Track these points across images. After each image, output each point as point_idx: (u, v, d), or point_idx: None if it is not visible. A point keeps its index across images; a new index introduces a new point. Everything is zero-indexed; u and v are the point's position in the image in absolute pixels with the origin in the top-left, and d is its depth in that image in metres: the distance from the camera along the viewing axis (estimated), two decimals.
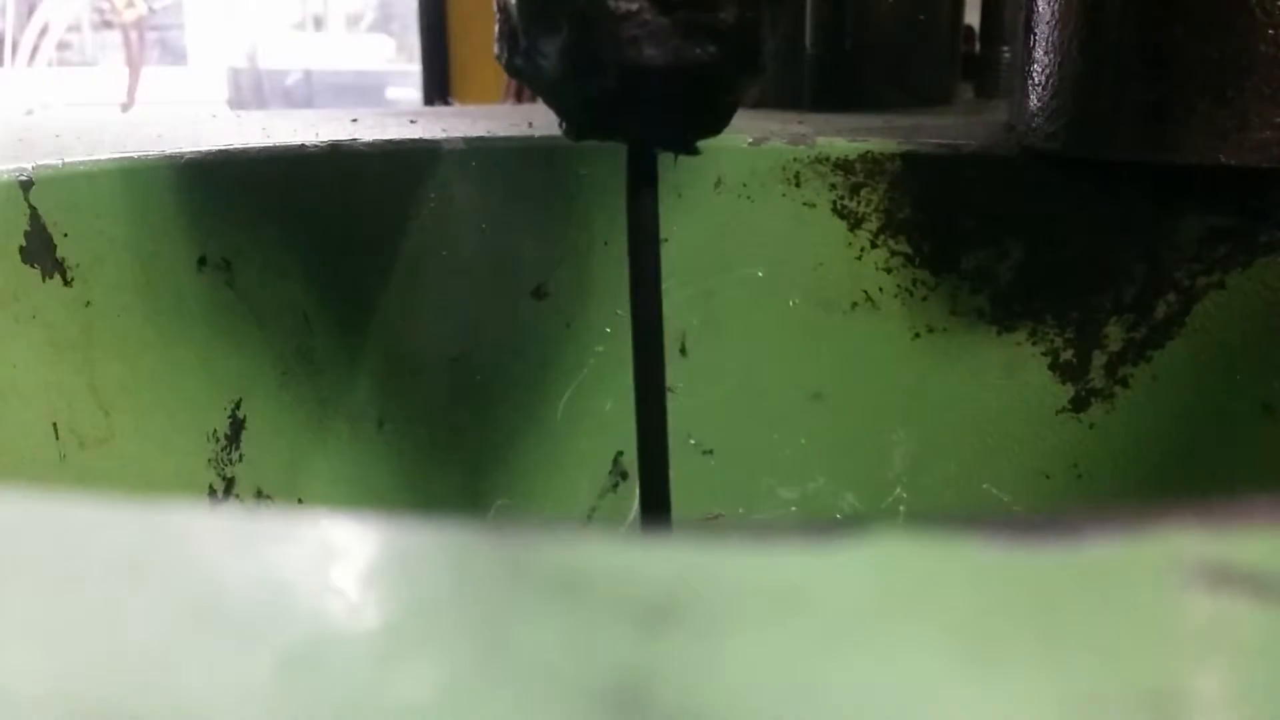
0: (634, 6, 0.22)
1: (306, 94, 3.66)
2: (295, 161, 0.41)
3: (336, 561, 0.10)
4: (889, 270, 0.43)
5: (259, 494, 0.40)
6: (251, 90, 3.65)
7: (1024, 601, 0.09)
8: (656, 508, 0.27)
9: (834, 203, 0.43)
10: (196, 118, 0.52)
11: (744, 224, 0.44)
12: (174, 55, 4.11)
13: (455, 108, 0.74)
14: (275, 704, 0.08)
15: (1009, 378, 0.42)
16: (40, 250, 0.34)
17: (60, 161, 0.36)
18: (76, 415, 0.34)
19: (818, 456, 0.45)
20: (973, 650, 0.09)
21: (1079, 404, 0.41)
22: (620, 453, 0.45)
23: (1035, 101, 0.38)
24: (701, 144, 0.26)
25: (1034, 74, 0.38)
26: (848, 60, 0.56)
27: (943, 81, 0.59)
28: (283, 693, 0.08)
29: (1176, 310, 0.39)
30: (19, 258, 0.34)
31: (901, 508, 0.44)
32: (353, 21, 4.35)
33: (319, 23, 4.29)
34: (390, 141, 0.43)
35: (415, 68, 1.92)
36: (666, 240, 0.43)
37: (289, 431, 0.41)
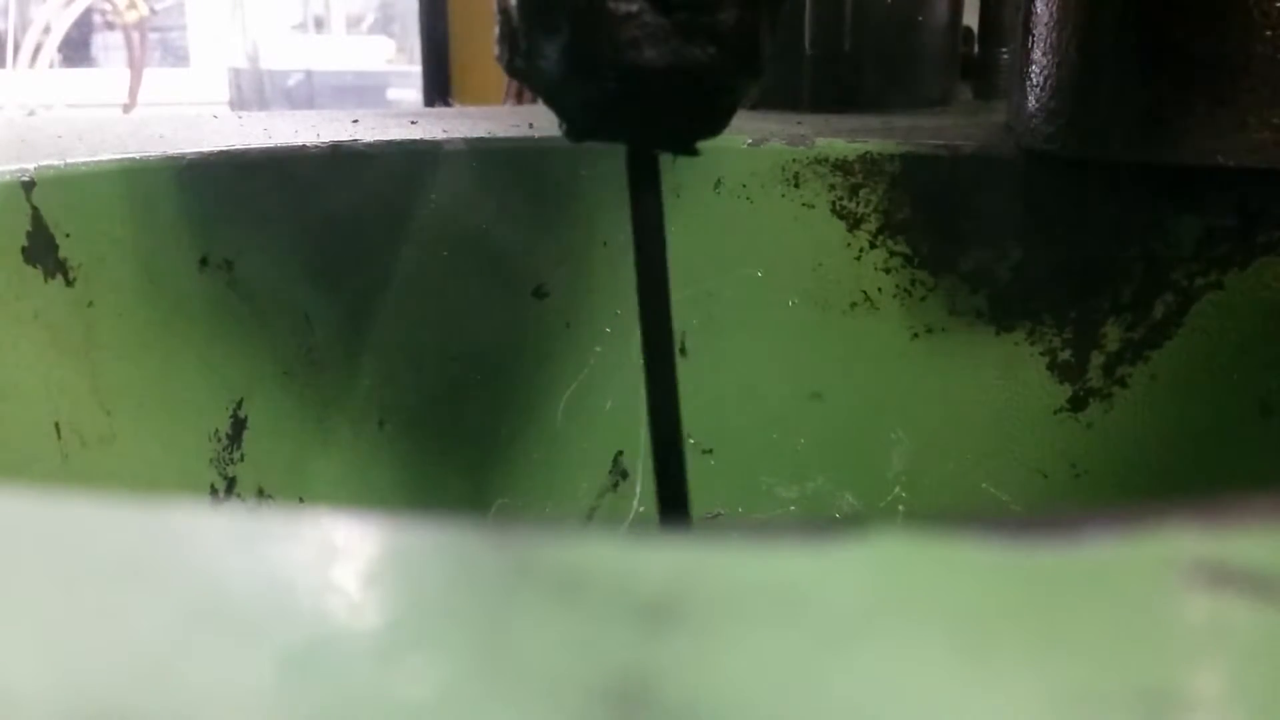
0: (634, 8, 0.22)
1: (308, 95, 3.66)
2: (297, 162, 0.41)
3: (338, 561, 0.10)
4: (888, 270, 0.43)
5: (260, 493, 0.40)
6: (253, 91, 3.65)
7: (1023, 600, 0.09)
8: (673, 507, 0.27)
9: (833, 203, 0.43)
10: (198, 119, 0.52)
11: (743, 224, 0.44)
12: (176, 56, 4.11)
13: (456, 109, 0.74)
14: (276, 703, 0.08)
15: (1007, 377, 0.42)
16: (42, 251, 0.34)
17: (62, 162, 0.36)
18: (78, 415, 0.34)
19: (817, 456, 0.45)
20: (972, 649, 0.09)
21: (1077, 404, 0.41)
22: (620, 452, 0.45)
23: (1033, 102, 0.38)
24: (701, 145, 0.26)
25: (1032, 75, 0.38)
26: (847, 61, 0.56)
27: (941, 83, 0.59)
28: (284, 691, 0.08)
29: (1174, 310, 0.39)
30: (21, 258, 0.34)
31: (900, 507, 0.44)
32: (354, 23, 4.34)
33: (320, 24, 4.29)
34: (391, 142, 0.43)
35: (416, 69, 1.91)
36: (666, 240, 0.43)
37: (290, 431, 0.41)
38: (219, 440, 0.39)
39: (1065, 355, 0.41)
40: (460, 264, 0.44)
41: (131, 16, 3.08)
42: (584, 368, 0.45)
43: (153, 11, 3.25)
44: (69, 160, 0.36)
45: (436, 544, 0.10)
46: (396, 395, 0.43)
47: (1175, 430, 0.40)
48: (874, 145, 0.43)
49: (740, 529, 0.10)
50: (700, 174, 0.43)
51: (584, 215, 0.44)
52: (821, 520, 0.42)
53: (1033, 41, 0.38)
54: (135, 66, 3.10)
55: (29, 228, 0.34)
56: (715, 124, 0.25)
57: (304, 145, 0.41)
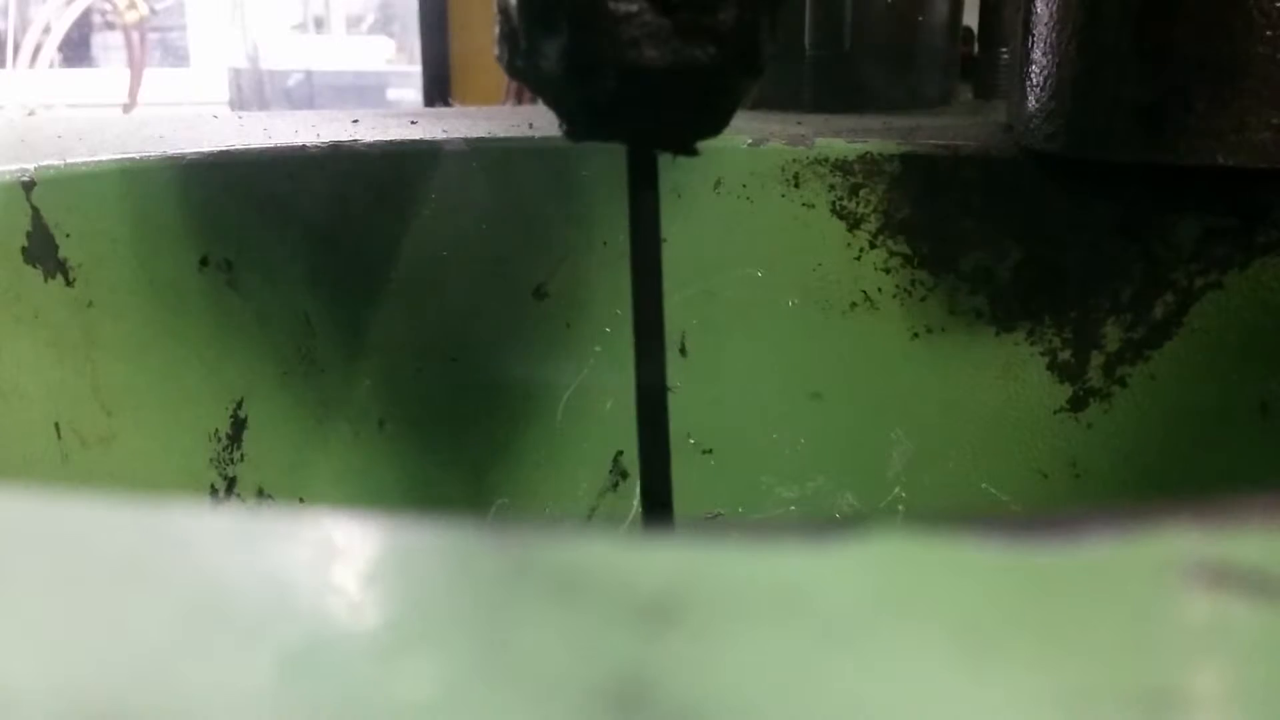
0: (634, 8, 0.22)
1: (308, 95, 3.65)
2: (296, 162, 0.41)
3: (338, 561, 0.10)
4: (888, 270, 0.43)
5: (260, 493, 0.40)
6: (253, 91, 3.64)
7: (1022, 600, 0.09)
8: (658, 507, 0.27)
9: (833, 203, 0.43)
10: (198, 118, 0.52)
11: (743, 224, 0.44)
12: (175, 56, 4.10)
13: (456, 109, 0.74)
14: (277, 703, 0.08)
15: (1007, 378, 0.42)
16: (42, 251, 0.34)
17: (62, 162, 0.36)
18: (78, 415, 0.34)
19: (817, 456, 0.45)
20: (971, 649, 0.09)
21: (1077, 404, 0.41)
22: (620, 452, 0.45)
23: (1033, 102, 0.38)
24: (701, 145, 0.26)
25: (1032, 75, 0.38)
26: (847, 61, 0.56)
27: (941, 83, 0.59)
28: (284, 691, 0.08)
29: (1174, 310, 0.39)
30: (21, 258, 0.34)
31: (900, 507, 0.44)
32: (354, 23, 4.34)
33: (320, 24, 4.29)
34: (391, 142, 0.43)
35: (416, 69, 1.92)
36: (666, 240, 0.43)
37: (290, 431, 0.41)
38: (219, 440, 0.39)
39: (1065, 355, 0.41)
40: (460, 264, 0.44)
41: (131, 16, 3.07)
42: (584, 368, 0.45)
43: (153, 11, 3.24)
44: (69, 160, 0.36)
45: (436, 544, 0.10)
46: (397, 395, 0.43)
47: (1175, 430, 0.40)
48: (874, 145, 0.43)
49: (740, 529, 0.10)
50: (700, 174, 0.43)
51: (584, 215, 0.44)
52: (821, 520, 0.42)
53: (1033, 41, 0.38)
54: (135, 66, 3.10)
55: (29, 228, 0.34)
56: (715, 124, 0.25)
57: (304, 145, 0.41)
